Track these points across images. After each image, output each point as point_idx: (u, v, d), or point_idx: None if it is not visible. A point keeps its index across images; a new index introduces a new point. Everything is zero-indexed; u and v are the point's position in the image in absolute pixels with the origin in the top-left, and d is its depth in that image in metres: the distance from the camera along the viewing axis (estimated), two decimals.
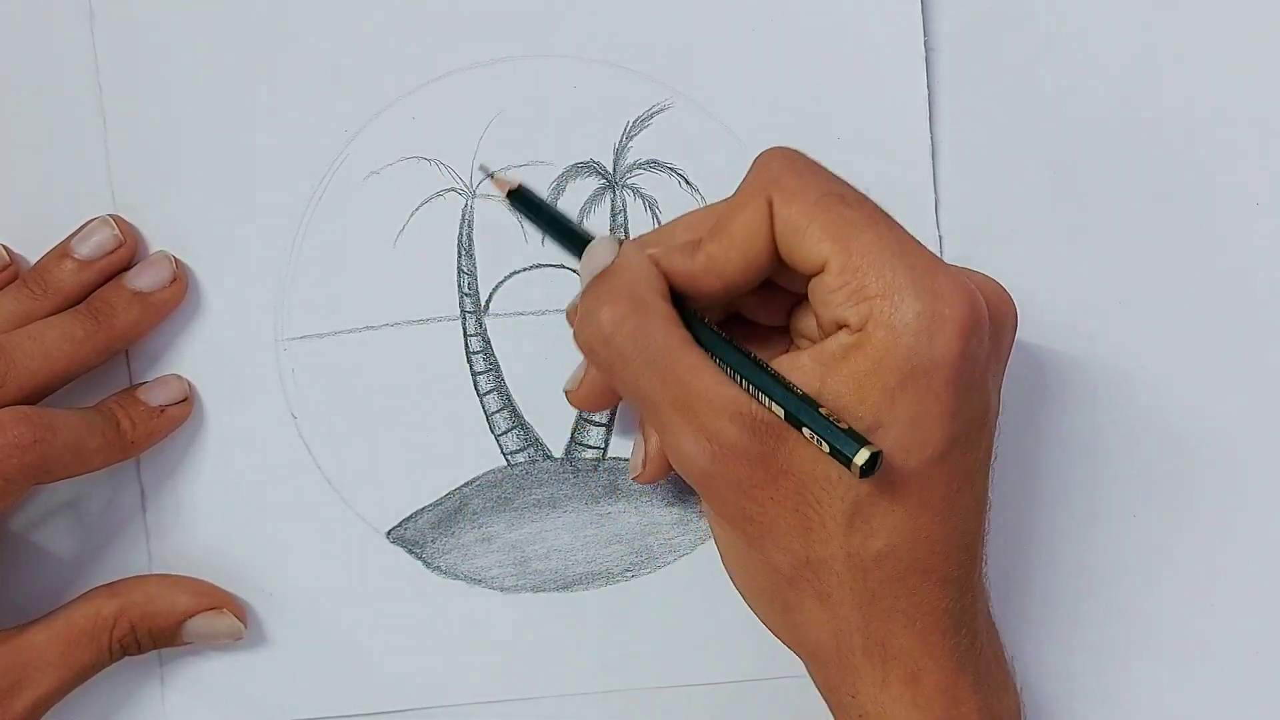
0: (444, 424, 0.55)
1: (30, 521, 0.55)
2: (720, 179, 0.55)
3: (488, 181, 0.55)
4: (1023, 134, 0.55)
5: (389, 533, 0.56)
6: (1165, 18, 0.55)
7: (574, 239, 0.52)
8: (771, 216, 0.47)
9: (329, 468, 0.56)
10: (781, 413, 0.46)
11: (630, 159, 0.56)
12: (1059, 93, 0.55)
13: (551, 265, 0.56)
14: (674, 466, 0.49)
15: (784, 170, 0.48)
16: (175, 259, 0.55)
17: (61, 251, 0.54)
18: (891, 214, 0.47)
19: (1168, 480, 0.55)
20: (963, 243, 0.55)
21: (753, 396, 0.47)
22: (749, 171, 0.49)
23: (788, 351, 0.50)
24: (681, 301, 0.49)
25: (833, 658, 0.49)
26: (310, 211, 0.55)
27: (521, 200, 0.54)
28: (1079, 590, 0.55)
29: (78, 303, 0.54)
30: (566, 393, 0.53)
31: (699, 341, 0.48)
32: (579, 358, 0.55)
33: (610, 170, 0.55)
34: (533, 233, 0.55)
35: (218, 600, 0.55)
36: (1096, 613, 0.55)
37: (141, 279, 0.54)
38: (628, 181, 0.56)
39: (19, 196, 0.55)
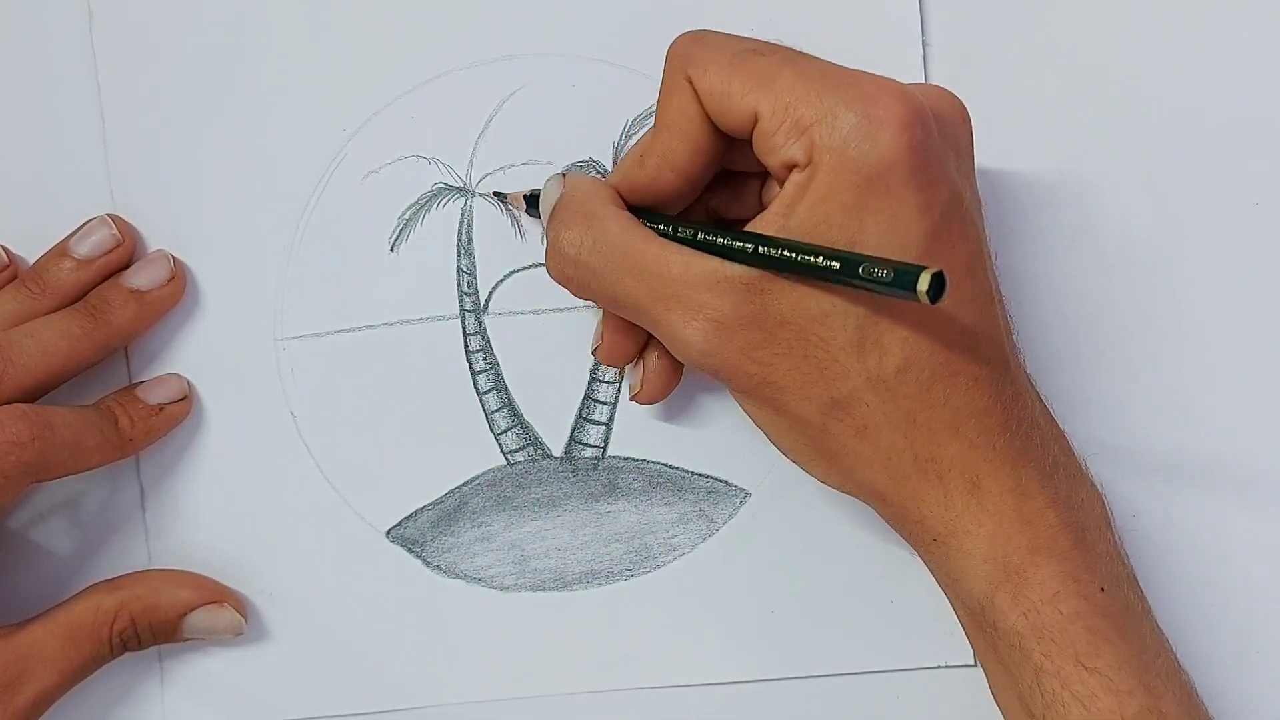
0: (443, 423, 0.55)
1: (29, 520, 0.56)
2: None
3: (486, 180, 0.55)
4: (1023, 133, 0.55)
5: (389, 532, 0.56)
6: (1165, 18, 0.55)
7: None
8: (696, 93, 0.48)
9: (328, 467, 0.56)
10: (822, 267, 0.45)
11: None
12: (1059, 93, 0.55)
13: None
14: (678, 358, 0.48)
15: (691, 45, 0.48)
16: (173, 258, 0.55)
17: (60, 251, 0.54)
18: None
19: (1168, 480, 0.55)
20: None
21: (735, 260, 0.46)
22: (664, 67, 0.49)
23: None
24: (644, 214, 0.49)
25: (890, 490, 0.48)
26: (309, 210, 0.55)
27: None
28: None
29: (76, 302, 0.54)
30: (594, 352, 0.53)
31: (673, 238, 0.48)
32: (579, 355, 0.55)
33: (610, 169, 0.55)
34: (531, 231, 0.55)
35: (218, 594, 0.55)
36: None
37: (139, 277, 0.54)
38: None
39: (19, 196, 0.56)
